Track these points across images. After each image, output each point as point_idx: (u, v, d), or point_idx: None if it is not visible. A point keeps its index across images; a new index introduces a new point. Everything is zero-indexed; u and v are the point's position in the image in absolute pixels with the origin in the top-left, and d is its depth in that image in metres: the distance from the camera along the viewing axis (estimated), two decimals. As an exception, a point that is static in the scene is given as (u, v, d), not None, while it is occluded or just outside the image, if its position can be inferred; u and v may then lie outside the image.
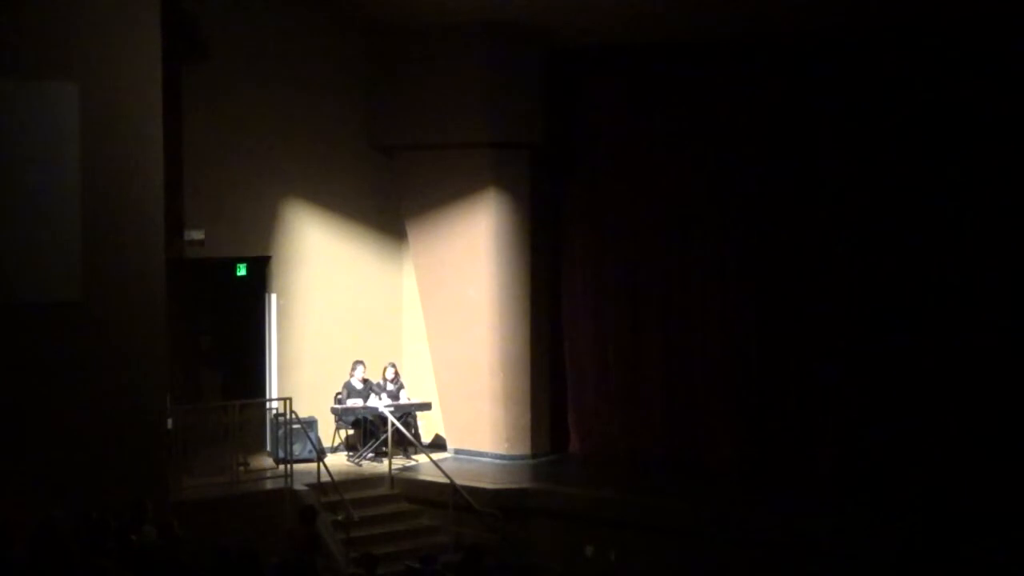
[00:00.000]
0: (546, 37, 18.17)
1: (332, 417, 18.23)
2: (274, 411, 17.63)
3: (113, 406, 14.86)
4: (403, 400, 18.43)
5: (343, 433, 18.57)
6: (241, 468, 16.61)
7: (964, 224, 15.81)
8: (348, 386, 18.21)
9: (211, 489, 15.99)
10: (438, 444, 18.96)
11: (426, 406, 18.65)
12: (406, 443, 18.27)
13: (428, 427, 18.98)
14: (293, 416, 17.13)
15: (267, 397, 18.11)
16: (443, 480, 16.86)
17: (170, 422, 15.79)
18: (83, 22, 14.79)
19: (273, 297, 18.40)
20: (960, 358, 15.76)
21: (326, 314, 18.74)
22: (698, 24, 16.90)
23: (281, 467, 16.87)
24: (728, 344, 17.50)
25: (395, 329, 19.46)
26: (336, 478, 16.57)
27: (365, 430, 18.25)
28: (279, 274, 18.43)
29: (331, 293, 18.82)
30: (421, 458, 18.10)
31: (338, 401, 18.21)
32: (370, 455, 18.11)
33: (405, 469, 17.86)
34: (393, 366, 18.61)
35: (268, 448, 17.86)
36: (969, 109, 15.71)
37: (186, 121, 17.21)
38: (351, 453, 18.30)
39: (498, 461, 18.35)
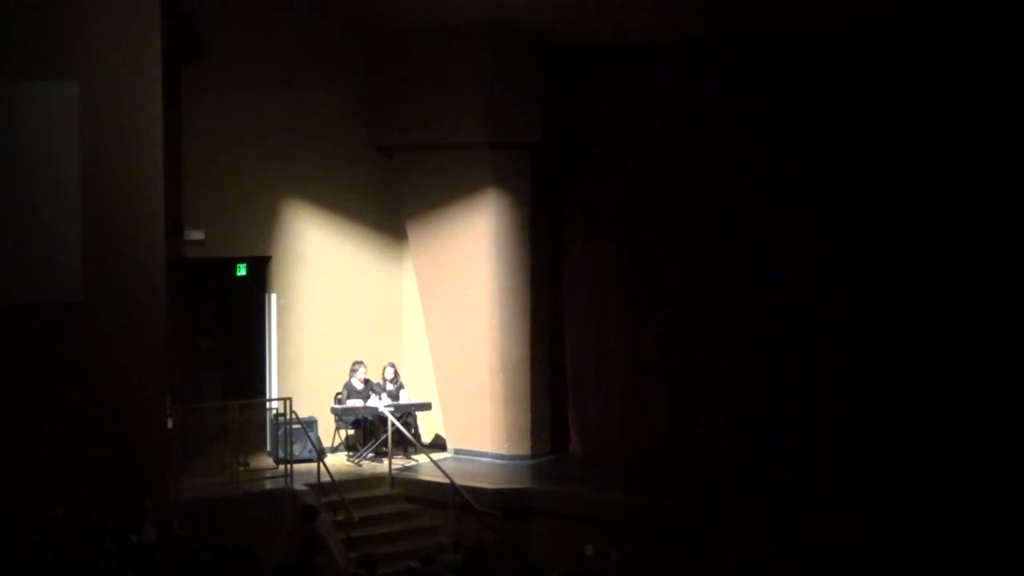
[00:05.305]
0: (546, 37, 18.16)
1: (332, 417, 18.23)
2: (274, 411, 17.64)
3: (113, 406, 14.89)
4: (403, 400, 18.43)
5: (343, 433, 18.58)
6: (241, 468, 16.61)
7: (965, 224, 15.79)
8: (348, 386, 18.21)
9: (211, 489, 16.00)
10: (438, 444, 18.96)
11: (426, 406, 18.65)
12: (406, 443, 18.27)
13: (428, 427, 18.98)
14: (293, 416, 17.13)
15: (267, 397, 18.12)
16: (443, 480, 16.86)
17: (170, 422, 15.80)
18: (83, 22, 14.82)
19: (273, 297, 18.40)
20: (961, 358, 15.75)
21: (326, 314, 18.73)
22: (699, 24, 16.90)
23: (281, 467, 16.88)
24: (728, 344, 17.50)
25: (395, 329, 19.46)
26: (336, 478, 16.59)
27: (365, 430, 18.26)
28: (279, 274, 18.44)
29: (331, 293, 18.82)
30: (421, 458, 18.10)
31: (338, 401, 18.22)
32: (370, 455, 18.11)
33: (405, 469, 17.86)
34: (392, 366, 18.61)
35: (268, 448, 17.87)
36: (969, 108, 15.69)
37: (186, 121, 17.22)
38: (351, 453, 18.30)
39: (498, 461, 18.34)
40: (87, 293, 14.88)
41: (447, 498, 16.67)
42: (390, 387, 18.43)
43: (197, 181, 17.39)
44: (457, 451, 18.78)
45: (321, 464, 16.62)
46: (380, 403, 18.09)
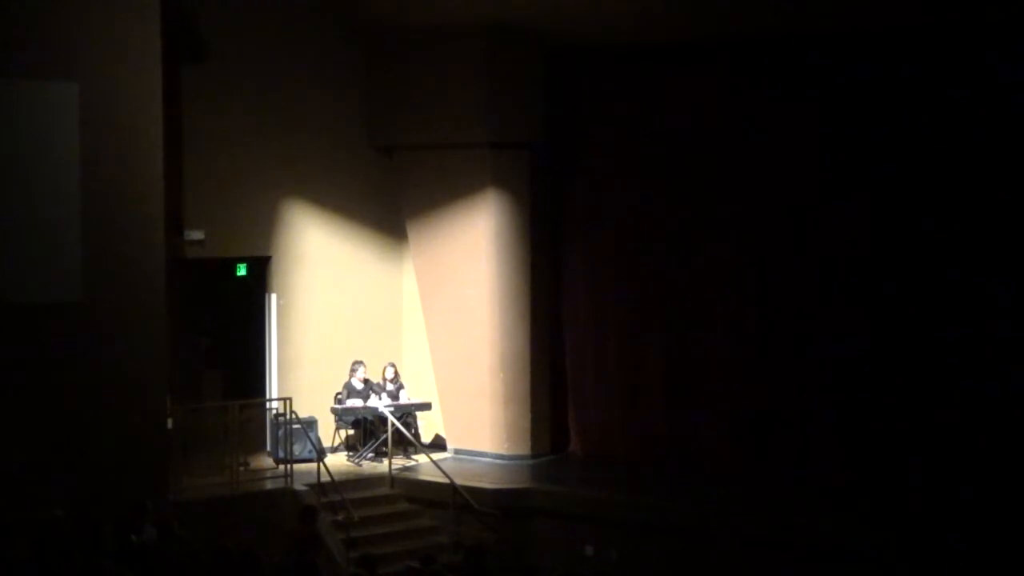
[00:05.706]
0: (546, 37, 18.16)
1: (332, 417, 18.23)
2: (274, 411, 17.64)
3: (113, 406, 14.88)
4: (403, 400, 18.43)
5: (343, 433, 18.58)
6: (241, 468, 16.60)
7: (965, 224, 15.78)
8: (348, 386, 18.22)
9: (211, 489, 16.00)
10: (438, 444, 18.96)
11: (426, 406, 18.65)
12: (406, 443, 18.27)
13: (428, 427, 18.98)
14: (293, 416, 17.13)
15: (267, 397, 18.12)
16: (443, 480, 16.86)
17: (170, 422, 15.80)
18: (83, 22, 14.82)
19: (273, 297, 18.40)
20: (960, 358, 15.75)
21: (326, 314, 18.74)
22: (698, 24, 16.89)
23: (281, 467, 16.88)
24: (728, 344, 17.49)
25: (395, 329, 19.46)
26: (336, 478, 16.58)
27: (365, 430, 18.26)
28: (279, 274, 18.44)
29: (331, 293, 18.82)
30: (421, 458, 18.10)
31: (338, 401, 18.22)
32: (370, 455, 18.11)
33: (405, 469, 17.86)
34: (392, 366, 18.61)
35: (268, 448, 17.87)
36: (970, 107, 15.69)
37: (186, 121, 17.22)
38: (351, 453, 18.30)
39: (498, 461, 18.34)
40: (87, 293, 14.88)
41: (447, 498, 16.67)
42: (390, 387, 18.43)
43: (197, 181, 17.39)
44: (457, 451, 18.78)
45: (321, 464, 16.62)
46: (380, 403, 18.09)
